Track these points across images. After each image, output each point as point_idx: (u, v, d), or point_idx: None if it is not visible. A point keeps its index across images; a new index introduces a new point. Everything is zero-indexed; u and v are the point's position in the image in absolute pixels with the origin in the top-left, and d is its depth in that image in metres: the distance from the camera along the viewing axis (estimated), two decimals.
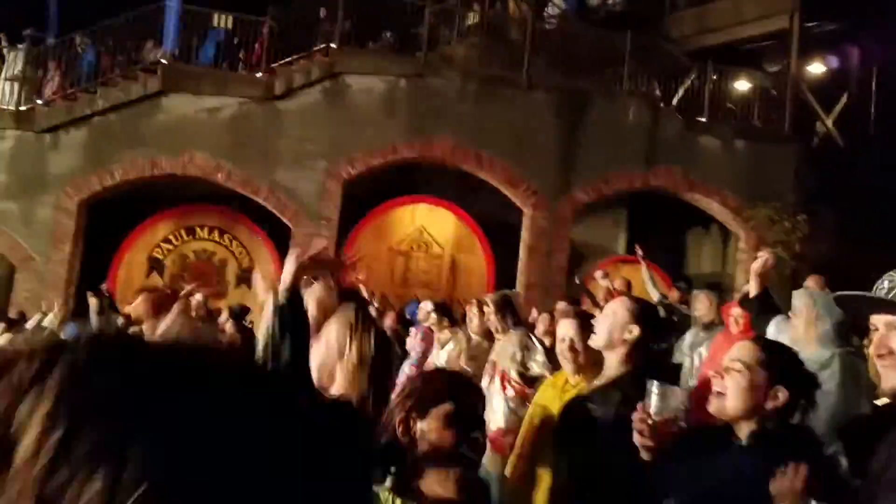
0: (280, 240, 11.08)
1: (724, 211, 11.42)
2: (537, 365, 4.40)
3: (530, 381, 4.20)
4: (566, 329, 2.81)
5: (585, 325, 2.73)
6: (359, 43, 11.24)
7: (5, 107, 10.50)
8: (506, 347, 4.48)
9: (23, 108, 10.50)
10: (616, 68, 11.32)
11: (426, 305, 6.21)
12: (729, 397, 1.93)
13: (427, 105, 10.75)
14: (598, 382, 2.53)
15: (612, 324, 2.55)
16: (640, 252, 9.38)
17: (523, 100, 10.87)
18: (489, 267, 11.55)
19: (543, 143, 10.86)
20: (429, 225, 11.79)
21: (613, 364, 2.53)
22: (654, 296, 8.39)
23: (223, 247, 11.80)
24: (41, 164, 10.31)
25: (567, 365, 2.80)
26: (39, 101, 10.62)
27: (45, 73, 11.20)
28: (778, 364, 1.95)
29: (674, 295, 7.73)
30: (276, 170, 10.62)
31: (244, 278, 11.75)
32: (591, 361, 2.67)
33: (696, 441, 2.01)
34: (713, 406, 1.97)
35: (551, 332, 5.63)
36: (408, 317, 7.79)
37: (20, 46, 10.96)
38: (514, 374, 4.24)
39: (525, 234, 10.97)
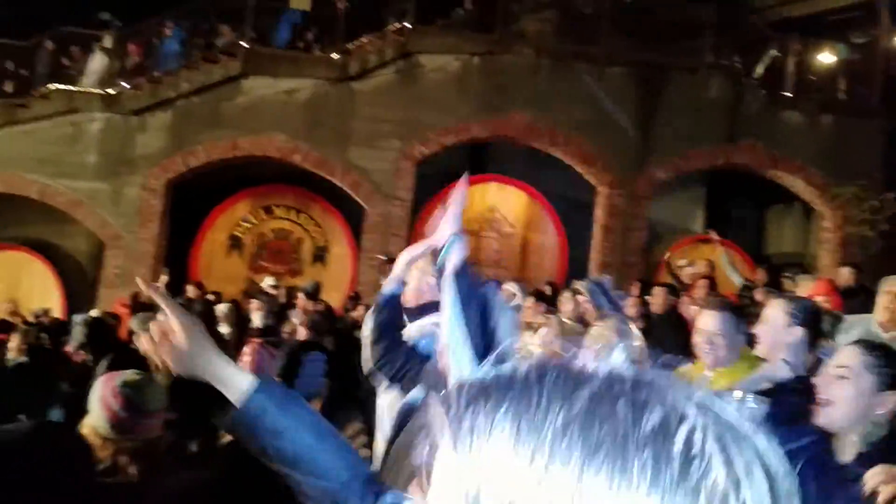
0: (353, 218, 11.25)
1: (809, 189, 11.04)
2: (633, 352, 4.36)
3: None
4: (707, 322, 2.75)
5: (727, 319, 2.69)
6: (430, 21, 11.23)
7: (95, 90, 10.90)
8: (601, 334, 4.45)
9: (111, 91, 10.88)
10: (696, 41, 11.01)
11: (510, 287, 6.16)
12: (837, 406, 1.84)
13: (500, 82, 10.69)
14: (757, 384, 2.47)
15: (772, 329, 2.52)
16: (715, 236, 9.10)
17: (599, 75, 10.69)
18: (561, 247, 11.48)
19: (620, 119, 10.67)
20: (499, 204, 11.77)
21: (775, 366, 2.48)
22: (736, 280, 8.13)
23: (299, 226, 12.05)
24: (129, 146, 10.69)
25: (705, 357, 2.76)
26: (126, 85, 10.98)
27: (128, 57, 11.58)
28: (887, 367, 1.84)
29: (759, 277, 7.51)
30: (350, 150, 10.76)
31: (319, 256, 12.00)
32: (728, 356, 2.65)
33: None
34: (820, 417, 1.87)
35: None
36: None
37: (109, 31, 11.34)
38: None
39: (599, 213, 10.84)
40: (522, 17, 11.35)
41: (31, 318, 6.57)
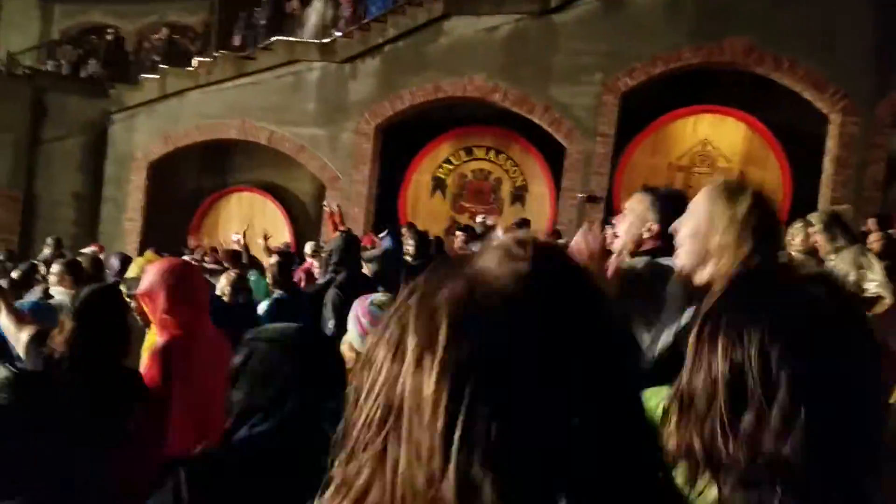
0: (553, 157, 11.10)
1: None
2: (874, 285, 3.89)
3: (868, 304, 3.72)
4: None
5: None
6: None
7: (312, 41, 11.64)
8: (838, 268, 4.01)
9: (325, 40, 11.55)
10: None
11: None
12: None
13: (716, 4, 9.80)
14: None
15: None
16: None
17: None
18: (786, 182, 10.46)
19: (857, 39, 9.36)
20: (714, 137, 10.96)
21: None
22: None
23: (498, 166, 12.14)
24: (342, 93, 11.35)
25: None
26: (338, 34, 11.59)
27: (339, 7, 12.20)
28: None
29: None
30: (550, 87, 10.54)
31: (518, 196, 12.05)
32: None
33: None
34: None
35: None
36: None
37: None
38: None
39: (831, 144, 9.70)
40: None
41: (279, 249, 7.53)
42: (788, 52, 9.60)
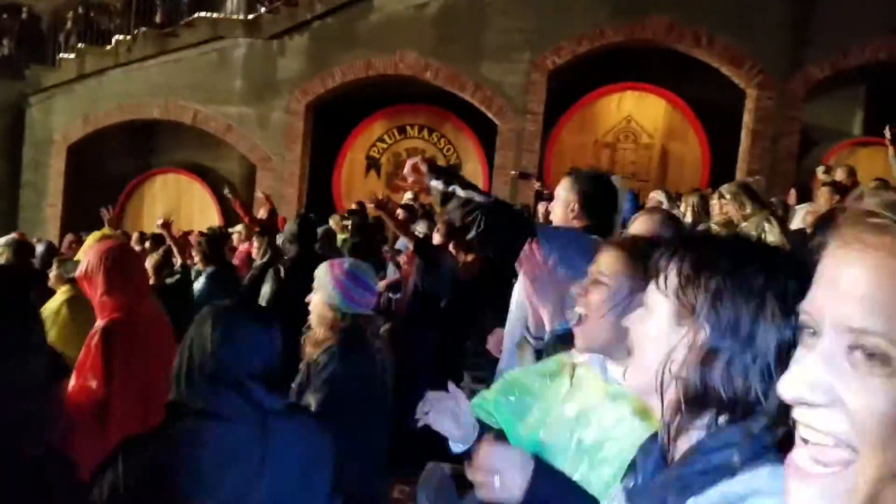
0: (486, 135, 11.23)
1: None
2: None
3: None
4: None
5: None
6: None
7: (236, 17, 11.35)
8: (749, 231, 4.35)
9: (251, 16, 11.29)
10: None
11: (657, 195, 6.00)
12: None
13: None
14: None
15: None
16: (888, 133, 8.33)
17: None
18: (704, 156, 10.91)
19: (772, 13, 9.80)
20: (637, 113, 11.30)
21: None
22: None
23: (431, 144, 12.19)
24: (271, 70, 11.14)
25: None
26: (263, 9, 11.34)
27: None
28: None
29: None
30: (481, 64, 10.63)
31: None
32: None
33: None
34: None
35: None
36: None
37: None
38: None
39: (747, 118, 10.16)
40: None
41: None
42: (706, 29, 9.96)
